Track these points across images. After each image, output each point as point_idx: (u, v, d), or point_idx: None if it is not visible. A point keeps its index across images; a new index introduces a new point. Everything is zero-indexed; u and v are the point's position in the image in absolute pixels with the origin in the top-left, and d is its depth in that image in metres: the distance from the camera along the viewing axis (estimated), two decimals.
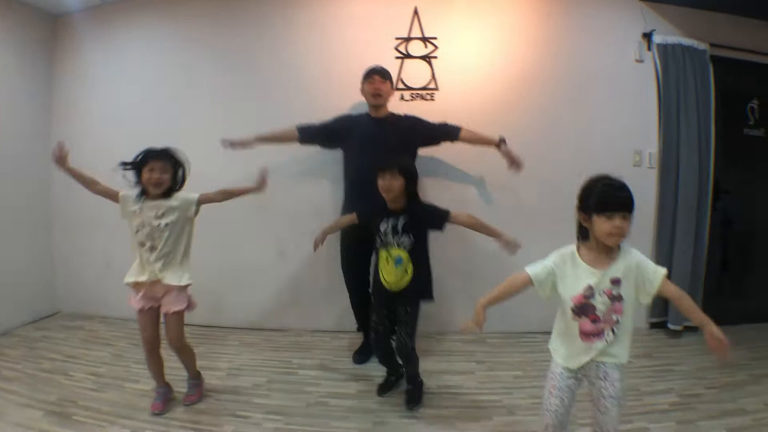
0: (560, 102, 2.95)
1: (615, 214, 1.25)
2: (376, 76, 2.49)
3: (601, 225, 1.27)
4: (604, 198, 1.28)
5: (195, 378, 2.18)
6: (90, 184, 2.02)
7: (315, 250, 2.23)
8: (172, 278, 1.97)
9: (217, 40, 3.10)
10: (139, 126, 3.07)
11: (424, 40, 2.94)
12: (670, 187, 2.93)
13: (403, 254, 2.00)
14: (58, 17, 3.30)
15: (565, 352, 1.39)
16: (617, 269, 1.31)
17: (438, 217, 2.04)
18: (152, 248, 1.94)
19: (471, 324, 1.41)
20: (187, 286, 2.02)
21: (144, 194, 1.97)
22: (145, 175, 1.93)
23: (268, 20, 3.04)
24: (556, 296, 1.39)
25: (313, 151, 2.81)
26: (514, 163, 2.56)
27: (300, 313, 3.07)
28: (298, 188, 2.99)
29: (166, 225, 1.95)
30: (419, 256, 2.04)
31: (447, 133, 2.60)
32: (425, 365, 2.30)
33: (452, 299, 2.82)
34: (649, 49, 2.95)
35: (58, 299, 3.41)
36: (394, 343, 2.09)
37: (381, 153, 2.12)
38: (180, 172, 2.01)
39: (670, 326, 2.88)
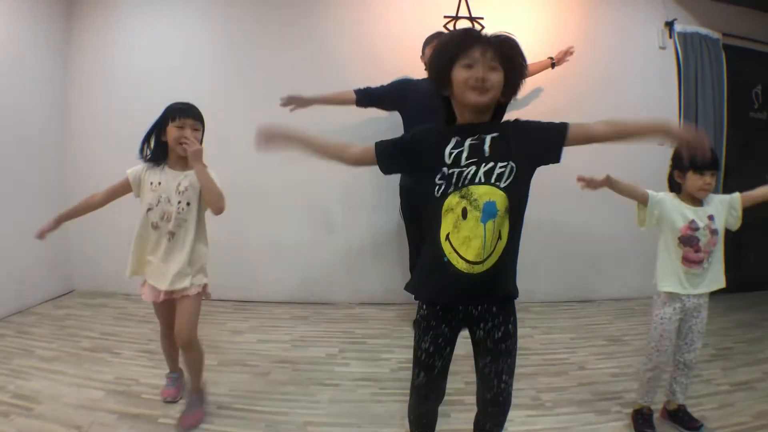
0: (593, 83, 3.11)
1: (706, 172, 1.51)
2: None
3: (695, 181, 1.53)
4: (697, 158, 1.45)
5: (197, 393, 1.75)
6: (93, 205, 1.71)
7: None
8: (179, 279, 1.62)
9: (256, 13, 3.03)
10: (160, 101, 2.93)
11: (472, 20, 3.00)
12: None
13: (500, 197, 1.04)
14: None
15: (673, 278, 1.57)
16: (710, 208, 1.56)
17: (554, 131, 1.12)
18: (167, 233, 1.61)
19: (591, 179, 1.61)
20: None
21: (161, 160, 1.63)
22: (173, 132, 1.58)
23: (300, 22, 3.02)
24: (652, 224, 1.61)
25: (363, 122, 2.80)
26: (568, 54, 2.89)
27: (347, 287, 3.10)
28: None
29: (188, 204, 1.61)
30: (520, 215, 1.10)
31: None
32: None
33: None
34: (671, 36, 3.16)
35: (73, 278, 3.24)
36: (486, 389, 1.22)
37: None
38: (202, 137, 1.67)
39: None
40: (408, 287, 1.18)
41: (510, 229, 1.07)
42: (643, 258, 3.10)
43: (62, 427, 1.63)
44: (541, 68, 2.85)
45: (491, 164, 1.05)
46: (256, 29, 3.04)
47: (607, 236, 3.13)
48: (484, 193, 1.03)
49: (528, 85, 2.67)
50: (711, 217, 1.54)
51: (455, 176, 1.05)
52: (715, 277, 1.59)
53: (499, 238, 1.05)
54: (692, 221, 1.53)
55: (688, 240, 1.53)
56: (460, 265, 1.05)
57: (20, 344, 2.33)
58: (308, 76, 2.96)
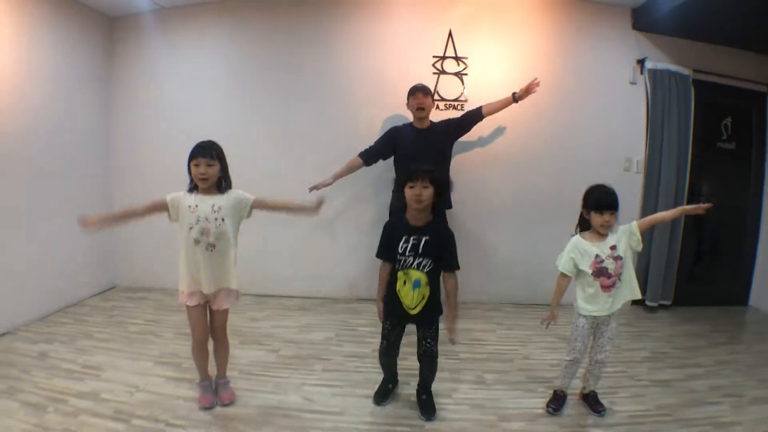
0: (566, 113, 3.52)
1: (605, 212, 1.89)
2: (419, 92, 2.96)
3: (596, 219, 1.91)
4: (598, 200, 1.93)
5: (225, 378, 2.18)
6: (137, 214, 1.96)
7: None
8: (225, 280, 1.99)
9: (270, 47, 3.54)
10: (192, 123, 3.48)
11: (457, 59, 3.45)
12: (653, 189, 3.54)
13: (422, 277, 1.88)
14: (115, 19, 3.62)
15: (592, 307, 1.97)
16: (612, 239, 1.93)
17: (450, 236, 1.97)
18: (208, 246, 1.91)
19: (548, 317, 2.02)
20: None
21: (195, 189, 1.96)
22: (193, 170, 1.91)
23: (319, 31, 3.50)
24: (578, 272, 1.98)
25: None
26: (530, 90, 3.08)
27: (346, 285, 3.64)
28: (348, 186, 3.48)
29: (223, 220, 1.92)
30: (435, 280, 1.93)
31: (473, 116, 3.11)
32: (459, 325, 2.90)
33: (469, 270, 3.40)
34: (642, 73, 3.52)
35: (115, 274, 3.83)
36: (419, 350, 2.02)
37: (429, 160, 2.57)
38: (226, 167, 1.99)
39: (648, 303, 3.55)
40: (382, 315, 2.05)
41: (430, 293, 1.92)
42: None
43: (125, 387, 2.21)
44: (504, 105, 3.11)
45: (420, 259, 1.89)
46: (273, 60, 3.54)
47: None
48: (414, 273, 1.90)
49: (512, 114, 3.47)
50: (613, 247, 1.91)
51: (402, 261, 1.91)
52: (627, 293, 1.95)
53: (423, 298, 1.91)
54: (597, 256, 1.91)
55: (599, 272, 1.91)
56: (404, 306, 1.94)
57: (80, 330, 2.91)
58: (318, 101, 3.52)
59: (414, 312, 1.93)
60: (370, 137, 3.25)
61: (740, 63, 3.67)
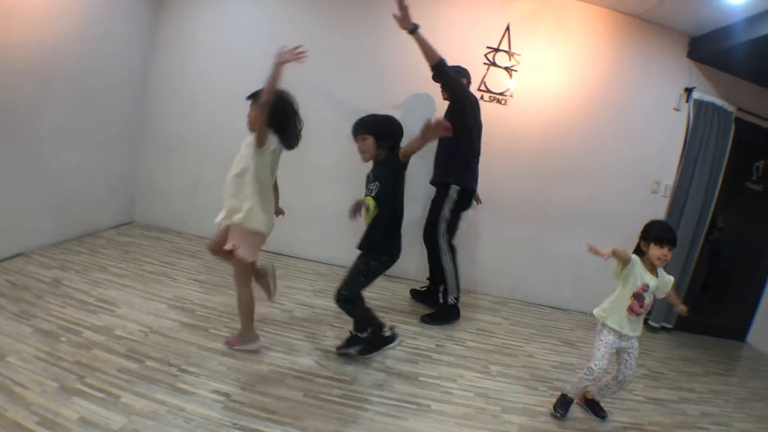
0: (607, 128, 3.54)
1: (665, 245, 1.92)
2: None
3: (655, 251, 1.94)
4: (659, 234, 1.96)
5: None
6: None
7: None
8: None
9: (317, 13, 3.45)
10: (231, 75, 3.44)
11: (510, 54, 3.43)
12: (676, 215, 3.58)
13: (371, 202, 2.08)
14: None
15: (616, 318, 2.01)
16: (657, 281, 1.98)
17: (392, 158, 2.03)
18: (233, 177, 2.01)
19: (599, 250, 1.85)
20: None
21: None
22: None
23: (372, 10, 3.40)
24: (621, 278, 1.99)
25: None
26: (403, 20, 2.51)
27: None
28: None
29: (242, 155, 2.02)
30: (384, 208, 2.07)
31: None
32: (467, 313, 3.07)
33: (483, 263, 3.49)
34: (687, 101, 3.53)
35: (134, 210, 3.81)
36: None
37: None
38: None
39: (651, 323, 3.63)
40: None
41: (375, 218, 2.09)
42: (611, 283, 3.67)
43: (138, 326, 2.20)
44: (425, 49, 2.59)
45: (371, 183, 2.10)
46: (327, 19, 3.46)
47: (589, 258, 3.59)
48: (367, 200, 2.11)
49: (554, 120, 3.70)
50: (656, 288, 1.99)
51: (365, 189, 2.15)
52: (640, 327, 2.04)
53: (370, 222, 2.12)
54: (646, 284, 1.95)
55: (638, 296, 1.96)
56: None
57: (95, 261, 2.89)
58: (366, 66, 3.47)
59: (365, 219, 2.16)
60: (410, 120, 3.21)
61: None
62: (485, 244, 3.61)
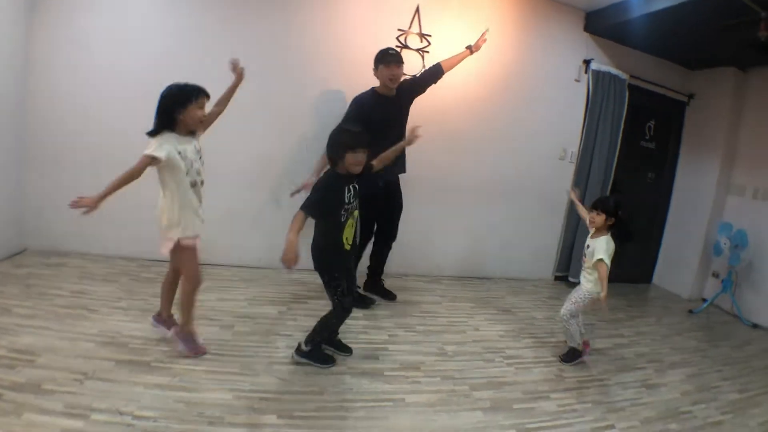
0: (516, 102, 3.74)
1: (592, 210, 2.41)
2: (395, 65, 2.74)
3: (585, 214, 2.48)
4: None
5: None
6: (132, 177, 1.88)
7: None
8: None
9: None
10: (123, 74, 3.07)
11: (421, 35, 3.43)
12: (583, 178, 3.92)
13: (358, 214, 2.22)
14: None
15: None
16: (593, 242, 2.42)
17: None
18: (201, 183, 2.06)
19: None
20: None
21: (156, 133, 1.92)
22: (196, 112, 1.93)
23: None
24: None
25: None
26: (481, 43, 3.06)
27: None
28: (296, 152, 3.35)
29: (202, 161, 2.05)
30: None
31: (434, 73, 2.97)
32: (405, 296, 3.17)
33: (407, 243, 3.48)
34: (586, 72, 3.82)
35: (26, 236, 3.26)
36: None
37: (402, 129, 2.71)
38: None
39: (570, 279, 3.97)
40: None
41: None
42: (531, 247, 3.94)
43: (70, 374, 1.87)
44: (461, 59, 3.02)
45: (356, 199, 2.16)
46: (229, 17, 3.19)
47: (508, 227, 3.87)
48: (356, 213, 2.17)
49: (466, 96, 3.72)
50: (587, 246, 2.47)
51: (349, 207, 2.10)
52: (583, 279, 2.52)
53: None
54: (587, 245, 2.47)
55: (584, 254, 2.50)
56: (348, 247, 2.14)
57: None
58: (275, 65, 3.25)
59: (349, 245, 2.16)
60: (326, 102, 3.22)
61: (669, 74, 4.16)
62: (406, 224, 3.33)
